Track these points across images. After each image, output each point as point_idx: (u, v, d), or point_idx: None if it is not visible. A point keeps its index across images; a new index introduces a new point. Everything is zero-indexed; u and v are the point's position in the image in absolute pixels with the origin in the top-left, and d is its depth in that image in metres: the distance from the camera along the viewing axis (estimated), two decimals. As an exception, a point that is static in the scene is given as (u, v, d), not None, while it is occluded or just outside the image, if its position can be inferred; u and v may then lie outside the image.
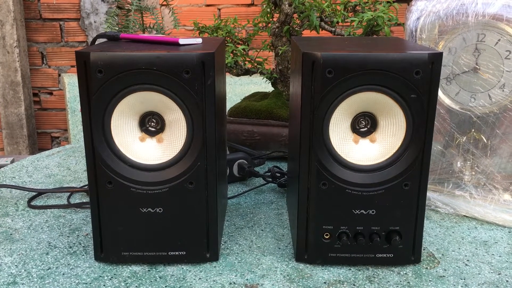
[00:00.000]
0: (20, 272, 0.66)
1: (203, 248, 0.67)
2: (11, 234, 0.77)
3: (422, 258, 0.69)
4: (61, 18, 2.25)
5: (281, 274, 0.65)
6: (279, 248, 0.72)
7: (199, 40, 0.69)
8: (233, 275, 0.65)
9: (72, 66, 2.30)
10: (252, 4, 2.19)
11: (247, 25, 1.19)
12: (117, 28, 1.15)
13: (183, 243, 0.66)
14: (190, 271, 0.66)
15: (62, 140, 2.43)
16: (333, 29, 1.08)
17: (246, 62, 1.15)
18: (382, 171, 0.64)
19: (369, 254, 0.66)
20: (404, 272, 0.66)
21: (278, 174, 0.95)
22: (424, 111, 0.61)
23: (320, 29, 1.09)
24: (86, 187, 0.93)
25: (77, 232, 0.77)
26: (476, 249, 0.72)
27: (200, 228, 0.66)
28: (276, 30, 1.10)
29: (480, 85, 0.81)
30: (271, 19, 1.16)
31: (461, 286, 0.63)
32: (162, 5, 1.25)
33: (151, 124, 0.64)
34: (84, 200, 0.89)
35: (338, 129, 0.63)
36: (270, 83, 1.18)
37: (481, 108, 0.82)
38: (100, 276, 0.65)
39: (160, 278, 0.64)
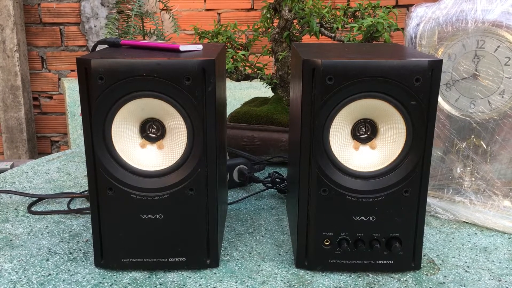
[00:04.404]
0: (20, 278, 0.65)
1: (203, 254, 0.67)
2: (11, 240, 0.77)
3: (422, 264, 0.69)
4: (61, 23, 2.26)
5: (281, 280, 0.65)
6: (279, 255, 0.72)
7: (200, 47, 0.69)
8: (233, 281, 0.65)
9: (72, 71, 2.31)
10: (252, 9, 2.20)
11: (247, 30, 1.20)
12: (117, 33, 1.15)
13: (183, 250, 0.66)
14: (190, 277, 0.66)
15: (61, 144, 2.43)
16: (333, 34, 1.09)
17: (246, 68, 1.15)
18: (382, 177, 0.64)
19: (369, 261, 0.66)
20: (404, 278, 0.66)
21: (278, 180, 0.95)
22: (424, 117, 0.61)
23: (320, 35, 1.09)
24: (86, 192, 0.93)
25: (77, 238, 0.77)
26: (476, 255, 0.72)
27: (200, 234, 0.66)
28: (276, 35, 1.11)
29: (479, 91, 0.82)
30: (271, 25, 1.16)
31: (461, 293, 0.63)
32: (162, 10, 1.25)
33: (151, 130, 0.64)
34: (84, 206, 0.89)
35: (338, 135, 0.63)
36: (270, 88, 1.19)
37: (481, 114, 0.82)
38: (100, 282, 0.64)
39: (160, 284, 0.64)
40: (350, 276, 0.67)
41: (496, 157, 0.83)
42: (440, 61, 0.60)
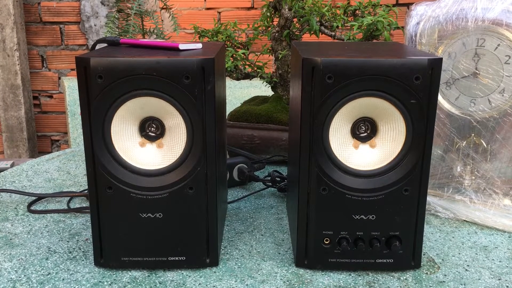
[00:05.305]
0: (19, 277, 0.65)
1: (203, 253, 0.67)
2: (10, 239, 0.76)
3: (422, 263, 0.69)
4: (61, 22, 2.26)
5: (281, 279, 0.65)
6: (279, 253, 0.72)
7: (199, 45, 0.69)
8: (233, 280, 0.65)
9: (72, 70, 2.31)
10: (252, 8, 2.20)
11: (247, 29, 1.20)
12: (117, 32, 1.15)
13: (183, 249, 0.66)
14: (190, 276, 0.66)
15: (62, 143, 2.43)
16: (333, 33, 1.08)
17: (246, 66, 1.15)
18: (382, 176, 0.64)
19: (369, 260, 0.66)
20: (404, 277, 0.66)
21: (278, 179, 0.95)
22: (424, 116, 0.61)
23: (320, 33, 1.09)
24: (86, 191, 0.93)
25: (76, 237, 0.77)
26: (476, 254, 0.72)
27: (200, 233, 0.66)
28: (276, 34, 1.11)
29: (479, 90, 0.81)
30: (271, 23, 1.16)
31: (461, 292, 0.63)
32: (162, 8, 1.25)
33: (151, 129, 0.64)
34: (84, 205, 0.89)
35: (338, 134, 0.63)
36: (270, 87, 1.19)
37: (481, 112, 0.82)
38: (99, 281, 0.64)
39: (160, 283, 0.64)
40: (350, 275, 0.66)
41: (496, 155, 0.83)
42: (440, 60, 0.60)
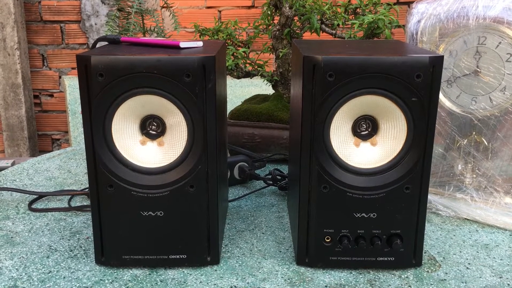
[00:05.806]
0: (20, 275, 0.65)
1: (204, 251, 0.67)
2: (11, 237, 0.77)
3: (423, 261, 0.69)
4: (61, 20, 2.26)
5: (282, 277, 0.65)
6: (280, 252, 0.72)
7: (200, 44, 0.69)
8: (234, 278, 0.65)
9: (73, 68, 2.31)
10: (252, 6, 2.19)
11: (247, 27, 1.20)
12: (118, 31, 1.15)
13: (184, 247, 0.66)
14: (191, 274, 0.66)
15: (62, 142, 2.43)
16: (334, 31, 1.08)
17: (247, 65, 1.15)
18: (383, 174, 0.64)
19: (370, 258, 0.66)
20: (405, 275, 0.66)
21: (279, 177, 0.95)
22: (425, 114, 0.61)
23: (321, 32, 1.09)
24: (87, 189, 0.93)
25: (77, 235, 0.77)
26: (477, 252, 0.72)
27: (201, 231, 0.66)
28: (277, 32, 1.11)
29: (481, 88, 0.81)
30: (271, 22, 1.16)
31: (463, 290, 0.63)
32: (162, 7, 1.25)
33: (152, 127, 0.64)
34: (85, 203, 0.89)
35: (339, 132, 0.63)
36: (270, 85, 1.19)
37: (482, 111, 0.82)
38: (101, 279, 0.64)
39: (161, 281, 0.64)
40: (351, 273, 0.66)
41: (497, 154, 0.83)
42: (441, 57, 0.60)
